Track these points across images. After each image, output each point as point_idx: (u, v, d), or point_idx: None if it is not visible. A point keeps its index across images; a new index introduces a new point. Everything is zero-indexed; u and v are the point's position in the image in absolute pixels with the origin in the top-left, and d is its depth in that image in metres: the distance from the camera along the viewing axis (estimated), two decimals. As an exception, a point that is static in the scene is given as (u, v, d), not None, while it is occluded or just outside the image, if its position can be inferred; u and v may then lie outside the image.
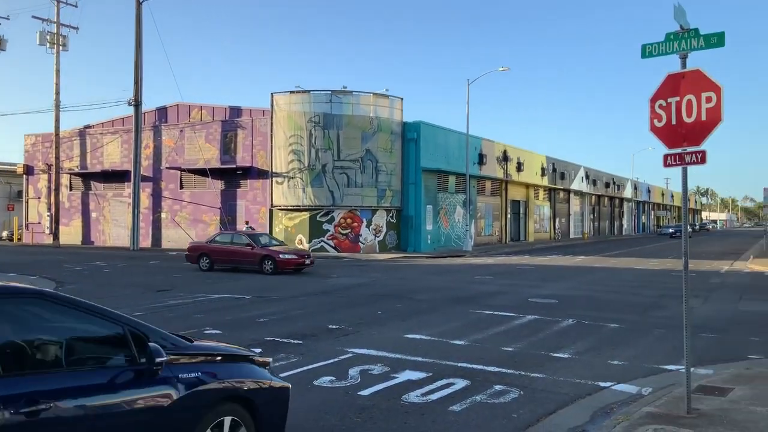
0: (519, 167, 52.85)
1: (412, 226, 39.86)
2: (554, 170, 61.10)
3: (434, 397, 7.77)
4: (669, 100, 7.09)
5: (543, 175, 58.27)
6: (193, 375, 4.61)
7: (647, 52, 7.30)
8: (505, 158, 50.78)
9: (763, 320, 14.28)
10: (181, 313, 14.38)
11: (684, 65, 7.08)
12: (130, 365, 4.29)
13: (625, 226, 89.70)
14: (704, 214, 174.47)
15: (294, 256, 24.97)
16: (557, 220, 64.85)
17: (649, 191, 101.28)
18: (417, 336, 11.80)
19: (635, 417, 6.68)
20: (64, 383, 3.93)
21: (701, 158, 6.91)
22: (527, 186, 56.79)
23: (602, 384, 8.51)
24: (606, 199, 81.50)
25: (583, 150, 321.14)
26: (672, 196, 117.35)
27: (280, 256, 24.59)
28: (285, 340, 11.23)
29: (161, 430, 4.39)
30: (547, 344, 11.17)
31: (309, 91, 38.07)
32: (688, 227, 7.93)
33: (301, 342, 11.11)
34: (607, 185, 77.57)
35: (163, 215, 42.83)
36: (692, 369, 8.61)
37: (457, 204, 44.72)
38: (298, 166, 37.68)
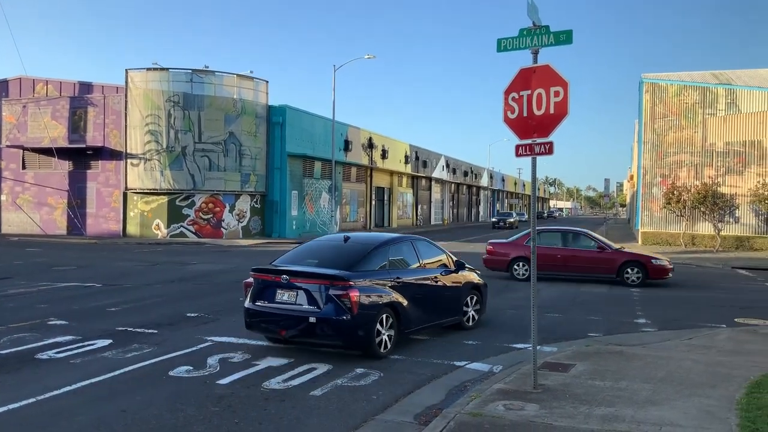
0: (384, 155, 53.74)
1: (277, 212, 39.39)
2: (417, 158, 62.73)
3: (296, 382, 7.73)
4: (521, 93, 7.45)
5: (406, 162, 59.64)
6: (463, 272, 11.26)
7: (502, 46, 7.62)
8: (371, 145, 51.42)
9: (600, 300, 15.53)
10: (22, 303, 13.27)
11: (535, 60, 7.45)
12: (447, 268, 10.97)
13: (481, 213, 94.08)
14: (552, 203, 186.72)
15: (666, 263, 18.67)
16: (419, 206, 66.72)
17: (503, 180, 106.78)
18: (279, 322, 11.68)
19: (487, 394, 7.01)
20: (437, 273, 10.64)
21: (549, 149, 7.33)
22: (391, 173, 57.90)
23: (457, 363, 8.87)
24: (464, 187, 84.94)
25: (444, 140, 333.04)
26: (524, 185, 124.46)
27: (653, 261, 18.52)
28: (139, 330, 10.70)
29: (458, 295, 10.98)
30: (407, 327, 11.44)
31: (168, 69, 36.37)
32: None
33: (156, 331, 10.63)
34: (465, 174, 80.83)
35: (2, 197, 39.29)
36: (539, 347, 9.17)
37: (322, 190, 44.73)
38: (155, 147, 35.94)
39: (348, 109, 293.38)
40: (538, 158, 7.60)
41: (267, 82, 39.40)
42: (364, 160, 50.72)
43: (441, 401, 7.11)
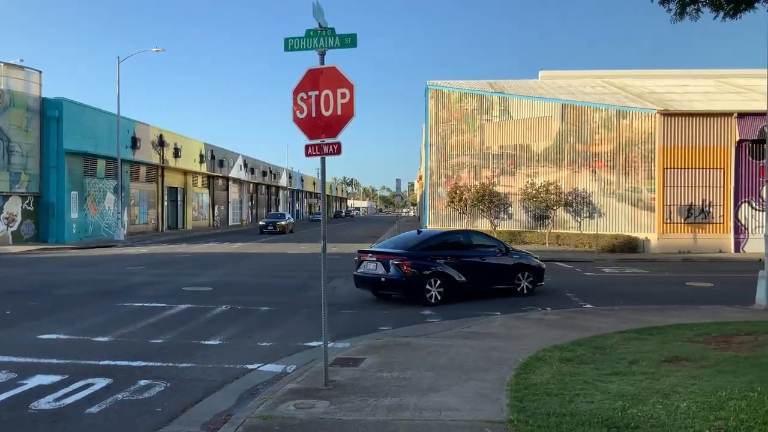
0: (176, 153, 51.40)
1: (53, 215, 35.90)
2: (213, 157, 60.90)
3: (70, 400, 7.06)
4: (310, 93, 7.51)
5: (202, 162, 57.64)
6: (516, 256, 16.03)
7: (290, 45, 7.61)
8: (162, 143, 48.90)
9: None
10: None
11: (322, 61, 7.55)
12: (500, 251, 15.77)
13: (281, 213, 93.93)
14: (350, 202, 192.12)
15: None
16: (216, 207, 64.87)
17: (302, 180, 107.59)
18: (53, 336, 10.64)
19: (278, 395, 6.97)
20: (486, 255, 15.60)
21: (337, 149, 7.47)
22: (185, 173, 55.57)
23: (250, 366, 8.72)
24: (263, 187, 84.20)
25: (242, 139, 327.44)
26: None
27: None
28: None
29: (509, 272, 15.64)
30: (199, 332, 11.05)
31: None
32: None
33: None
34: (264, 174, 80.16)
35: None
36: (332, 344, 9.36)
37: (107, 190, 41.62)
38: None
39: (139, 105, 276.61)
40: (332, 158, 7.73)
41: (40, 72, 35.78)
42: (155, 159, 48.11)
43: (231, 407, 6.93)
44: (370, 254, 15.01)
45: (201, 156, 57.49)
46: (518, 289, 15.71)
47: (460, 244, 15.61)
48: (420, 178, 71.92)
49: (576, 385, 7.05)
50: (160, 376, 8.15)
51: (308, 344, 10.16)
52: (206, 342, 10.26)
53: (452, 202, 36.49)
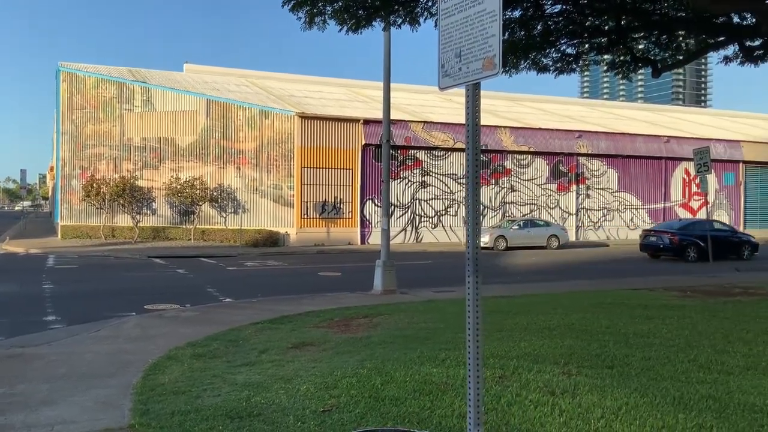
0: None
1: None
2: None
3: None
4: None
5: None
6: (740, 235, 29.02)
7: None
8: None
9: (7, 301, 14.27)
10: None
11: None
12: (731, 233, 28.69)
13: None
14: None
15: None
16: None
17: None
18: None
19: None
20: (720, 235, 26.53)
21: None
22: None
23: None
24: None
25: None
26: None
27: None
28: None
29: (736, 246, 27.30)
30: None
31: None
32: None
33: None
34: None
35: None
36: None
37: None
38: None
39: None
40: None
41: None
42: None
43: None
44: (652, 232, 27.25)
45: None
46: (743, 256, 26.45)
47: (704, 227, 24.19)
48: (52, 169, 64.92)
49: (205, 380, 7.04)
50: None
51: None
52: None
53: (88, 196, 33.64)
